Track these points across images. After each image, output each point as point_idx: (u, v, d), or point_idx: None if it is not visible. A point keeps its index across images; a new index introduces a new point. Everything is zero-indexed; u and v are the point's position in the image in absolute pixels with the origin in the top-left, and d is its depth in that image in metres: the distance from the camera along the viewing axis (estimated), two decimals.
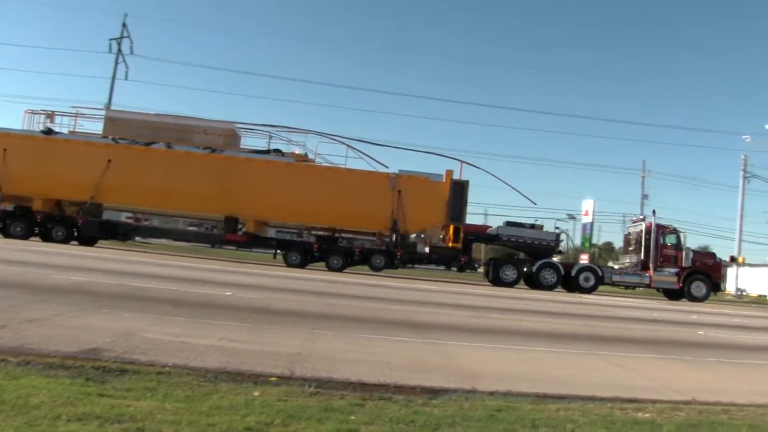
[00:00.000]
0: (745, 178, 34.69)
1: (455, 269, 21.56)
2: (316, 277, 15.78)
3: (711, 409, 4.15)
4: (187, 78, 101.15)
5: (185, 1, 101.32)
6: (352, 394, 3.75)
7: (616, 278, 21.52)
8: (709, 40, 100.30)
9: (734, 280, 33.47)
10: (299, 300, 9.43)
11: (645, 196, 43.56)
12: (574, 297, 18.36)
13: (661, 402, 4.22)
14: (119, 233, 21.66)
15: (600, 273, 21.27)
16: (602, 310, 13.48)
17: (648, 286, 21.73)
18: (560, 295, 18.43)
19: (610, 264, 28.13)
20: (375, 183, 20.32)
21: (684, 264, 21.37)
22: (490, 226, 22.85)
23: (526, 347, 6.52)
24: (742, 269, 36.86)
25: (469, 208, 21.27)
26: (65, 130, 21.02)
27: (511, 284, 20.55)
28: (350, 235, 21.74)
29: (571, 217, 37.41)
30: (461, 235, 20.41)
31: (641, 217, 23.68)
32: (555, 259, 21.67)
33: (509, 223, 21.80)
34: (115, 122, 20.97)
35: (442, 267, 23.24)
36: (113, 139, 20.34)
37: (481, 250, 31.78)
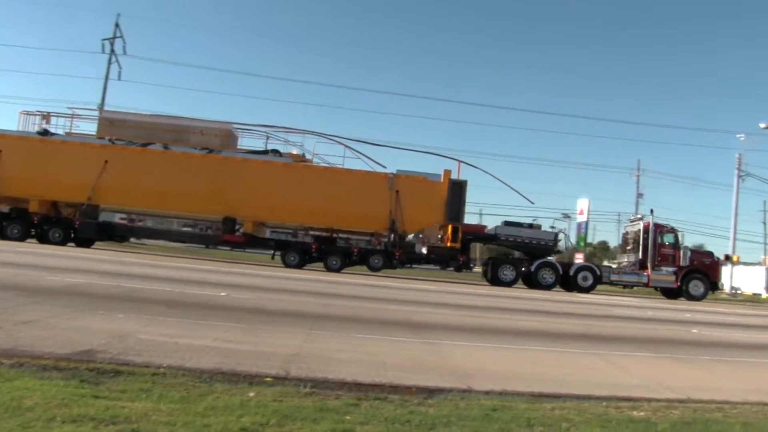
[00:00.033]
0: (739, 176, 34.78)
1: (453, 269, 21.58)
2: (312, 277, 15.78)
3: (705, 407, 4.16)
4: (181, 78, 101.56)
5: (179, 1, 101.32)
6: (348, 394, 3.75)
7: (614, 277, 21.58)
8: (708, 41, 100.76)
9: (729, 278, 33.60)
10: (295, 300, 9.42)
11: (640, 195, 43.71)
12: (571, 296, 18.39)
13: (656, 400, 4.23)
14: (116, 235, 21.62)
15: (598, 272, 21.31)
16: (598, 309, 13.51)
17: (646, 285, 21.78)
18: (558, 295, 18.46)
19: (606, 263, 28.19)
20: (373, 183, 20.33)
21: (682, 263, 21.43)
22: (485, 226, 22.90)
23: (522, 346, 6.53)
24: (736, 268, 37.01)
25: (466, 208, 21.29)
26: (61, 131, 20.98)
27: (509, 284, 20.57)
28: (348, 236, 21.75)
29: (566, 216, 37.48)
30: (460, 234, 20.43)
31: (639, 216, 23.73)
32: (551, 258, 21.69)
33: (507, 223, 21.82)
34: (111, 123, 20.93)
35: (440, 267, 23.22)
36: (110, 140, 20.30)
37: (476, 250, 31.83)
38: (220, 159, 20.33)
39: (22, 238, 19.43)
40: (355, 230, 21.57)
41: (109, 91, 35.92)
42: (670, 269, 21.35)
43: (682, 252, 21.62)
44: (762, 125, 35.02)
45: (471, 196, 21.26)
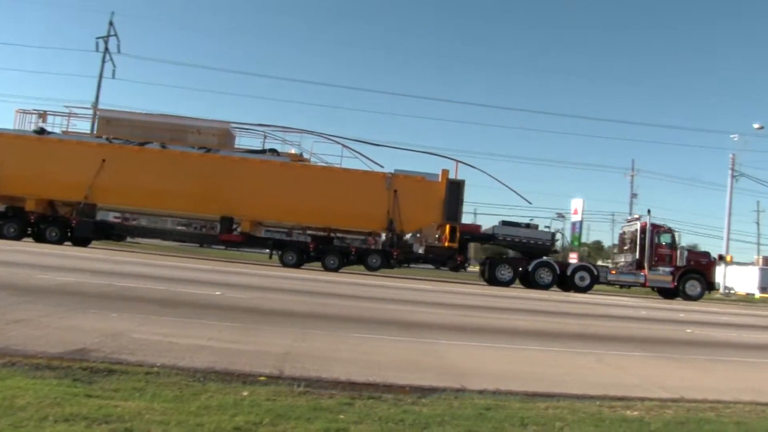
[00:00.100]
0: (733, 177, 34.84)
1: (450, 269, 21.61)
2: (310, 276, 15.77)
3: (698, 407, 4.17)
4: (176, 77, 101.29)
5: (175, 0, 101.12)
6: (342, 393, 3.75)
7: (611, 277, 21.63)
8: (708, 41, 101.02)
9: (722, 278, 33.73)
10: (290, 300, 9.41)
11: (634, 195, 43.83)
12: (568, 296, 18.42)
13: (650, 400, 4.24)
14: (113, 234, 21.58)
15: (595, 272, 21.36)
16: (594, 309, 13.54)
17: (643, 285, 21.84)
18: (555, 295, 18.49)
19: (600, 262, 28.24)
20: (371, 183, 20.33)
21: (678, 263, 21.50)
22: (480, 225, 22.95)
23: (518, 346, 6.53)
24: (729, 268, 37.15)
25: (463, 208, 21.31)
26: (57, 130, 20.91)
27: (507, 284, 20.60)
28: (346, 235, 21.76)
29: (561, 215, 37.57)
30: (457, 234, 20.45)
31: (636, 216, 23.76)
32: (548, 258, 21.74)
33: (505, 223, 21.85)
34: (108, 122, 20.88)
35: (437, 266, 23.26)
36: (107, 138, 20.26)
37: (470, 250, 31.84)
38: (218, 158, 20.30)
39: (18, 237, 19.37)
40: (353, 230, 21.58)
41: (103, 89, 35.83)
42: (667, 269, 21.41)
43: (678, 252, 21.69)
44: (755, 126, 35.15)
45: (466, 195, 21.19)
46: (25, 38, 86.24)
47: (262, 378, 3.95)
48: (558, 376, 4.99)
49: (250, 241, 20.99)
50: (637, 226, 22.29)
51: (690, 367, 6.15)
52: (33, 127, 20.62)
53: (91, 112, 24.69)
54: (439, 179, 20.57)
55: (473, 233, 22.30)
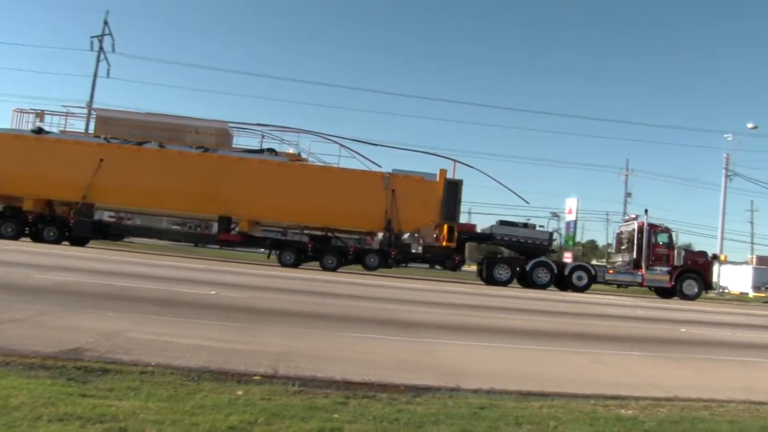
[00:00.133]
0: (727, 176, 34.96)
1: (448, 268, 21.64)
2: (307, 276, 15.77)
3: (692, 406, 4.19)
4: (171, 77, 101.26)
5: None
6: (336, 392, 3.75)
7: (608, 277, 21.68)
8: (708, 41, 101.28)
9: (716, 278, 33.87)
10: (287, 299, 9.42)
11: (628, 195, 43.94)
12: (565, 296, 18.45)
13: (644, 399, 4.26)
14: (111, 233, 21.56)
15: (593, 272, 21.41)
16: (590, 308, 13.58)
17: (640, 284, 21.89)
18: (552, 294, 18.52)
19: (594, 262, 28.29)
20: (369, 182, 20.34)
21: (676, 263, 21.55)
22: (475, 225, 22.95)
23: (513, 345, 6.55)
24: (723, 267, 37.30)
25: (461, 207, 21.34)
26: (54, 130, 20.88)
27: (504, 283, 20.63)
28: (344, 235, 21.77)
29: (555, 215, 37.61)
30: (455, 234, 20.47)
31: (634, 216, 23.82)
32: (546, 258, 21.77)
33: (503, 222, 21.90)
34: (106, 121, 20.86)
35: (435, 266, 23.28)
36: (105, 138, 20.24)
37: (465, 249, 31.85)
38: (216, 158, 20.29)
39: (16, 237, 19.34)
40: (351, 229, 21.59)
41: (97, 88, 35.80)
42: (664, 269, 21.47)
43: (676, 251, 21.76)
44: (749, 125, 35.25)
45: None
46: (19, 37, 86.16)
47: (257, 377, 3.95)
48: (553, 375, 5.00)
49: (248, 240, 20.99)
50: (635, 225, 22.34)
51: (684, 366, 6.17)
52: (30, 127, 20.59)
53: (87, 111, 24.60)
54: (437, 179, 20.59)
55: (471, 233, 22.34)
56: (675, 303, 19.07)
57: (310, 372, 4.19)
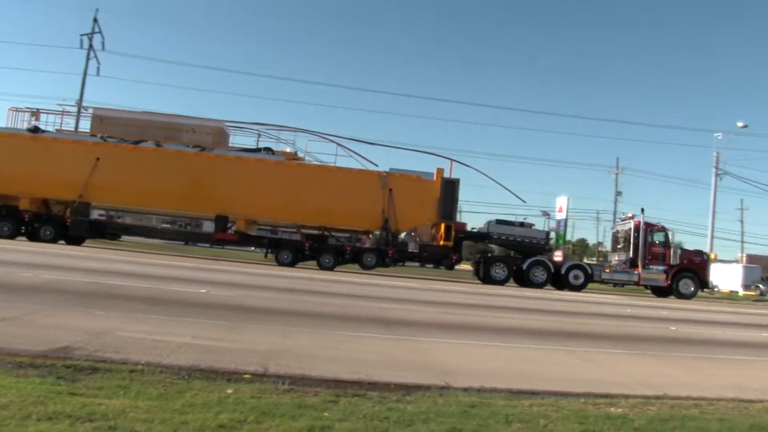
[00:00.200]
0: (717, 175, 35.02)
1: (445, 267, 21.68)
2: (302, 275, 15.77)
3: (682, 404, 4.20)
4: (162, 75, 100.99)
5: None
6: (326, 391, 3.75)
7: (605, 276, 21.75)
8: (708, 41, 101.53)
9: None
10: (282, 298, 9.41)
11: (619, 193, 43.99)
12: (561, 294, 18.50)
13: (633, 397, 4.27)
14: (107, 233, 21.53)
15: (589, 271, 21.46)
16: (586, 307, 13.63)
17: (637, 283, 21.97)
18: (549, 293, 18.56)
19: (585, 260, 28.33)
20: (366, 181, 20.35)
21: (672, 261, 21.63)
22: (466, 224, 22.99)
23: (505, 344, 6.56)
24: (713, 266, 37.44)
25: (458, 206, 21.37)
26: (50, 128, 20.83)
27: (501, 282, 20.67)
28: (341, 234, 21.78)
29: (546, 213, 37.66)
30: (453, 233, 20.50)
31: (630, 215, 23.89)
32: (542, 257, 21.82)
33: (499, 221, 21.95)
34: (102, 120, 20.80)
35: (432, 265, 23.32)
36: (101, 137, 20.20)
37: None
38: (213, 157, 20.28)
39: (12, 236, 19.31)
40: (348, 228, 21.60)
41: (87, 86, 35.69)
42: (661, 268, 21.54)
43: (672, 250, 21.83)
44: (739, 124, 35.33)
45: None
46: (8, 35, 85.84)
47: (247, 376, 3.95)
48: (544, 373, 5.02)
49: (245, 239, 20.99)
50: (631, 224, 22.41)
51: (674, 364, 6.19)
52: (26, 126, 20.54)
53: (84, 110, 24.52)
54: (434, 178, 20.61)
55: (468, 232, 22.39)
56: (666, 302, 19.12)
57: (301, 370, 4.19)
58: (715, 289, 37.72)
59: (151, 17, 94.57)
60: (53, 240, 19.55)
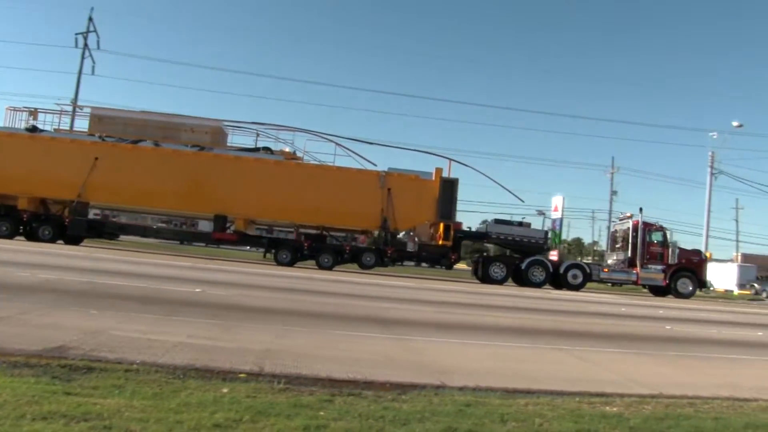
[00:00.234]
0: (712, 174, 35.04)
1: (444, 267, 21.70)
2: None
3: (677, 403, 4.20)
4: (158, 74, 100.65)
5: None
6: (322, 390, 3.75)
7: (603, 275, 21.79)
8: (708, 41, 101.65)
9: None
10: (277, 297, 9.40)
11: (614, 192, 44.01)
12: (559, 294, 18.51)
13: (629, 396, 4.27)
14: (105, 232, 21.52)
15: (588, 270, 21.49)
16: (581, 306, 13.65)
17: (635, 283, 22.00)
18: (546, 292, 18.58)
19: (579, 259, 28.33)
20: (365, 181, 20.35)
21: (670, 261, 21.65)
22: (461, 223, 23.05)
23: (501, 343, 6.56)
24: (709, 265, 37.46)
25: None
26: (48, 128, 20.81)
27: (500, 282, 20.69)
28: (340, 233, 21.79)
29: (541, 213, 37.65)
30: (452, 232, 20.52)
31: (628, 214, 23.92)
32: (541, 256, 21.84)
33: (498, 221, 21.98)
34: (100, 120, 20.78)
35: (430, 265, 23.34)
36: (100, 137, 20.18)
37: None
38: (211, 156, 20.27)
39: (10, 236, 19.29)
40: (347, 228, 21.61)
41: (82, 85, 35.62)
42: (659, 267, 21.56)
43: (670, 250, 21.84)
44: (734, 123, 35.35)
45: None
46: (2, 33, 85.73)
47: (242, 375, 3.95)
48: (539, 372, 5.02)
49: (244, 239, 20.99)
50: (629, 224, 22.43)
51: (669, 363, 6.19)
52: (24, 125, 20.52)
53: (81, 110, 24.50)
54: (433, 177, 20.62)
55: (467, 231, 22.42)
56: (662, 301, 19.13)
57: (296, 370, 4.19)
58: (710, 289, 37.82)
59: (147, 16, 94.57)
60: (52, 240, 19.54)
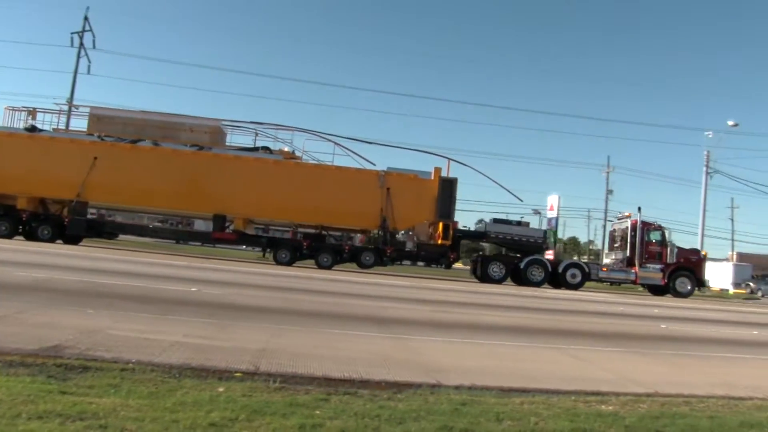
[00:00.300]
0: (708, 173, 35.05)
1: (443, 266, 21.72)
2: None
3: (672, 401, 4.21)
4: (154, 74, 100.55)
5: None
6: (317, 389, 3.75)
7: (602, 275, 21.82)
8: (708, 41, 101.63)
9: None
10: (272, 297, 9.40)
11: (610, 192, 44.00)
12: (558, 293, 18.52)
13: (624, 394, 4.28)
14: (105, 232, 21.53)
15: (587, 270, 21.52)
16: (579, 305, 13.66)
17: (634, 282, 22.03)
18: (545, 292, 18.59)
19: (575, 258, 28.35)
20: (364, 181, 20.37)
21: (669, 260, 21.68)
22: (457, 222, 23.05)
23: (495, 342, 6.56)
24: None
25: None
26: (47, 127, 20.81)
27: (498, 281, 20.71)
28: (339, 233, 21.80)
29: (537, 212, 37.69)
30: (451, 232, 20.54)
31: (627, 213, 23.94)
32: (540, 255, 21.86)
33: (496, 220, 22.01)
34: (99, 119, 20.78)
35: (429, 264, 23.36)
36: (99, 136, 20.18)
37: None
38: (211, 156, 20.27)
39: (9, 236, 19.29)
40: (346, 227, 21.63)
41: (78, 85, 35.53)
42: (657, 266, 21.59)
43: (669, 249, 21.87)
44: (730, 123, 35.35)
45: None
46: (1, 34, 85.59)
47: (237, 374, 3.95)
48: (535, 371, 5.03)
49: (243, 239, 20.99)
50: (628, 223, 22.45)
51: (665, 362, 6.20)
52: (22, 125, 20.52)
53: (77, 109, 24.49)
54: (432, 177, 20.64)
55: (466, 231, 22.44)
56: (658, 300, 19.15)
57: (291, 368, 4.20)
58: (706, 288, 37.86)
59: (144, 16, 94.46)
60: (51, 239, 19.55)
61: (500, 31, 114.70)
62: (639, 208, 22.62)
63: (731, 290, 39.23)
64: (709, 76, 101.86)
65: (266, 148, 21.33)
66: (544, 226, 23.89)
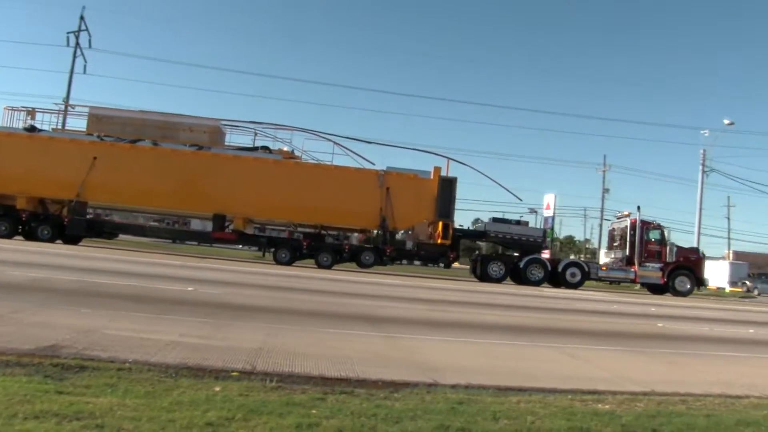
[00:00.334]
0: (704, 172, 35.00)
1: (443, 266, 21.72)
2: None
3: (669, 400, 4.21)
4: (151, 73, 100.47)
5: None
6: (314, 388, 3.75)
7: (602, 274, 21.82)
8: (708, 41, 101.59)
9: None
10: (270, 296, 9.39)
11: (606, 190, 43.93)
12: (557, 292, 18.51)
13: (621, 393, 4.28)
14: (104, 232, 21.52)
15: (586, 269, 21.52)
16: (578, 304, 13.66)
17: (633, 281, 22.02)
18: (544, 291, 18.58)
19: (572, 257, 28.36)
20: (363, 180, 20.35)
21: (668, 259, 21.67)
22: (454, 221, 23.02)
23: (492, 341, 6.58)
24: None
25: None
26: (46, 127, 20.80)
27: (498, 280, 20.70)
28: (338, 232, 21.79)
29: (533, 211, 37.62)
30: (450, 231, 20.54)
31: (626, 212, 23.94)
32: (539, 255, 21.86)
33: (496, 219, 22.00)
34: (99, 119, 20.76)
35: (429, 263, 23.35)
36: (98, 136, 20.17)
37: None
38: (210, 156, 20.26)
39: (9, 236, 19.29)
40: (346, 227, 21.62)
41: (74, 84, 35.46)
42: (657, 265, 21.58)
43: (668, 248, 21.86)
44: (726, 121, 35.32)
45: None
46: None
47: (234, 373, 3.96)
48: (532, 370, 5.04)
49: (243, 238, 20.99)
50: (627, 222, 22.44)
51: (661, 361, 6.20)
52: (22, 125, 20.51)
53: (74, 109, 24.47)
54: (432, 176, 20.63)
55: (465, 230, 22.46)
56: (655, 299, 19.12)
57: (288, 368, 4.20)
58: (705, 287, 37.86)
59: (142, 16, 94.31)
60: (50, 239, 19.54)
61: (500, 31, 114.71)
62: (638, 207, 22.63)
63: (728, 289, 39.25)
64: (709, 76, 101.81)
65: (265, 148, 21.31)
66: (541, 225, 23.90)
